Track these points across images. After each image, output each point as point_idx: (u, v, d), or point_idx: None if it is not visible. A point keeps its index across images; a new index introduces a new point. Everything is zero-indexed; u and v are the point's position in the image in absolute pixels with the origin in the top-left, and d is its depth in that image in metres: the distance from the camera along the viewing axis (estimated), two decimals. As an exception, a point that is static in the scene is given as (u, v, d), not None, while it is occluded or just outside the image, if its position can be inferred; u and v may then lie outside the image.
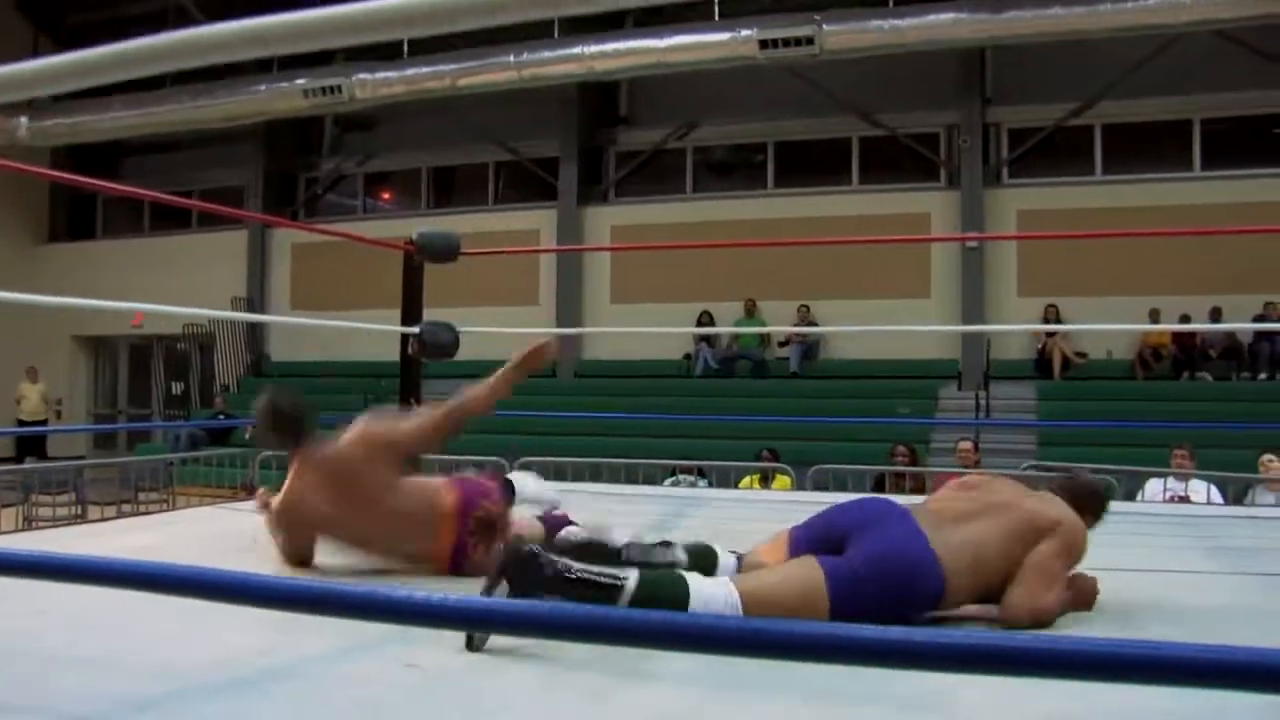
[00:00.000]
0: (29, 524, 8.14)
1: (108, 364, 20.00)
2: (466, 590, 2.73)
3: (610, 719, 1.95)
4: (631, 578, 2.36)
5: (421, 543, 3.24)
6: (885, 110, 14.99)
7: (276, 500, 3.31)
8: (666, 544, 2.69)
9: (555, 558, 2.37)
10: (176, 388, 19.00)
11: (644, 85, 16.36)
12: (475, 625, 1.41)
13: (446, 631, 2.48)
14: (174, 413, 18.66)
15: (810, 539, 2.69)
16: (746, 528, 4.03)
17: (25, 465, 10.18)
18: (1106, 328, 11.73)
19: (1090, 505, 2.90)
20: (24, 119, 16.70)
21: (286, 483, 3.29)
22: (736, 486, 8.11)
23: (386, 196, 19.14)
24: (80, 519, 8.12)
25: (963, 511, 2.73)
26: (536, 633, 1.35)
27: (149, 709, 2.00)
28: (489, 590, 2.35)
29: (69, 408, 19.05)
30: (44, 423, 17.43)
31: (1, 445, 16.80)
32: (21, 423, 17.02)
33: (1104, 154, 14.48)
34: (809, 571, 2.52)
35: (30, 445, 16.64)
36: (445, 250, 5.88)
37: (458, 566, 3.22)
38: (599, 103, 16.66)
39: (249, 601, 1.53)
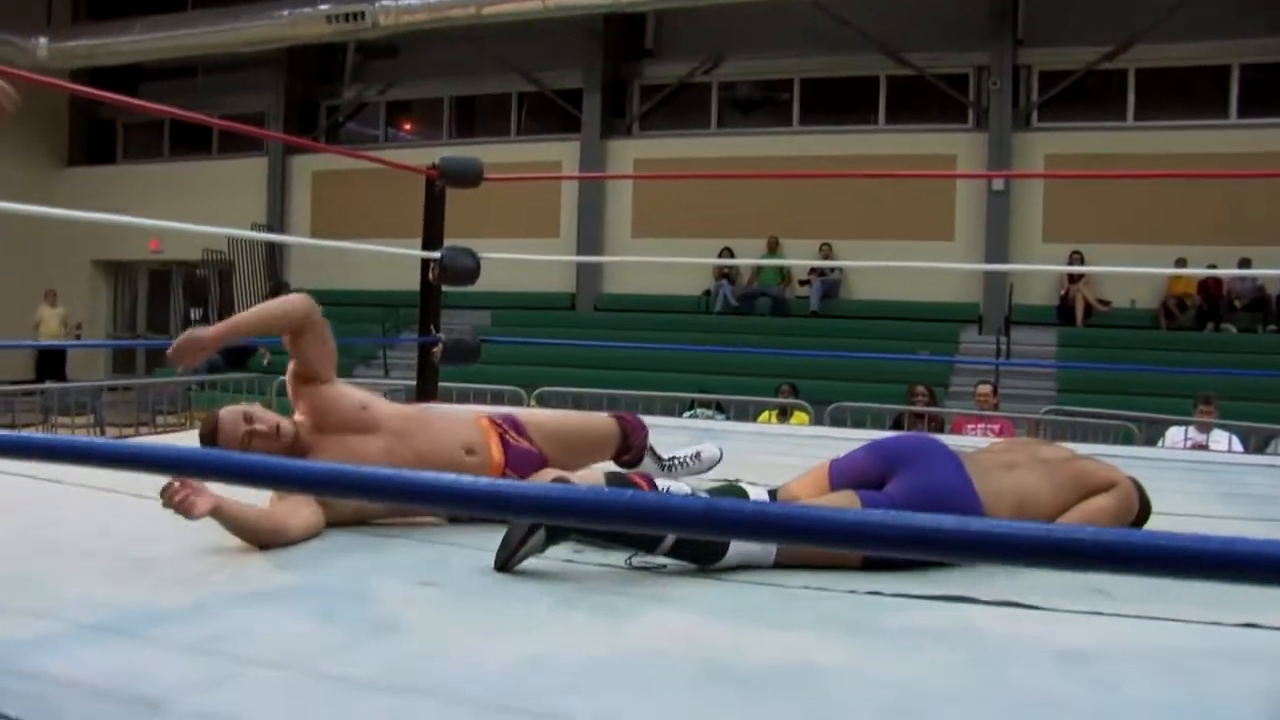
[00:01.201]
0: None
1: (127, 289, 20.02)
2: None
3: (627, 638, 1.92)
4: None
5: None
6: (914, 49, 14.75)
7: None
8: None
9: None
10: (195, 314, 19.01)
11: (670, 18, 16.14)
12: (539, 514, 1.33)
13: (463, 553, 2.47)
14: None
15: (851, 473, 2.63)
16: (768, 460, 4.01)
17: (45, 386, 10.20)
18: (1132, 270, 11.55)
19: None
20: (43, 40, 16.59)
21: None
22: (755, 421, 8.08)
23: (408, 126, 19.00)
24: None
25: (1011, 461, 2.66)
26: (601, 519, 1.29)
27: (166, 620, 1.98)
28: (529, 529, 2.30)
29: (88, 332, 19.09)
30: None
31: (22, 368, 16.87)
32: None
33: (1137, 99, 14.23)
34: (848, 506, 2.47)
35: (50, 369, 16.71)
36: (468, 175, 5.81)
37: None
38: (624, 35, 16.44)
39: (287, 486, 1.49)
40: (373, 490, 1.37)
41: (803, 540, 1.15)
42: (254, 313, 2.96)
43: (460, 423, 3.05)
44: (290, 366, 2.94)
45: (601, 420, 3.31)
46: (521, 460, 3.01)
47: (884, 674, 1.75)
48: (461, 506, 1.28)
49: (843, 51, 14.96)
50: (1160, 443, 7.29)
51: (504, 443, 3.03)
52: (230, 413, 2.72)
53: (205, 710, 1.53)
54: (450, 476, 1.26)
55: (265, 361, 13.99)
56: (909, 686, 1.69)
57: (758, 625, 2.03)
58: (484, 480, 1.25)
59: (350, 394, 2.93)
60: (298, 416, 2.86)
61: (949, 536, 1.04)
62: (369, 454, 2.78)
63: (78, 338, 18.44)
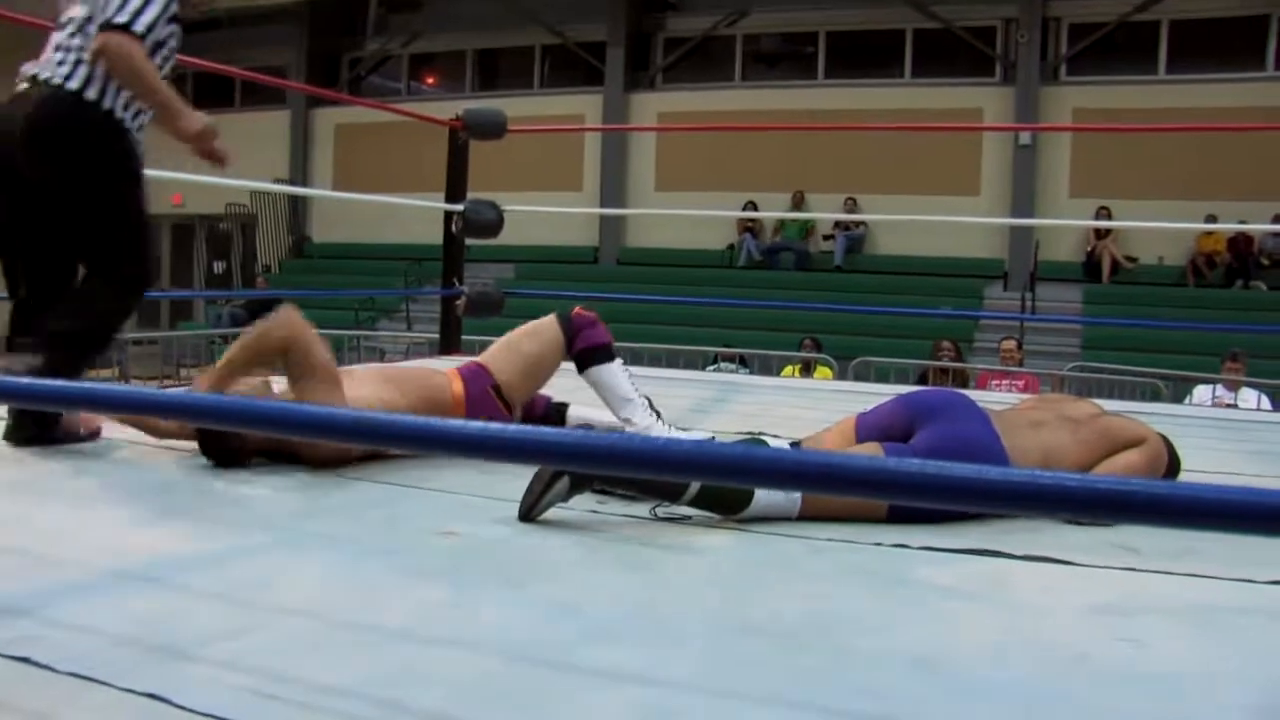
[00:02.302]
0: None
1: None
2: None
3: (653, 589, 1.91)
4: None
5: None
6: (941, 2, 14.55)
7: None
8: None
9: None
10: (218, 267, 19.06)
11: (695, -30, 16.00)
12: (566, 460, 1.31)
13: (486, 503, 2.47)
14: (216, 291, 18.76)
15: (878, 426, 2.61)
16: (791, 413, 4.00)
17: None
18: (1161, 225, 11.43)
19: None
20: (66, -8, 16.54)
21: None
22: (778, 375, 8.06)
23: (430, 79, 18.90)
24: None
25: (1038, 420, 2.64)
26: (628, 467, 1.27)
27: (193, 568, 1.99)
28: (553, 476, 2.29)
29: (113, 284, 19.15)
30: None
31: (47, 319, 16.94)
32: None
33: (1169, 52, 13.98)
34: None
35: (75, 320, 16.76)
36: (492, 127, 5.80)
37: None
38: (648, -13, 16.30)
39: (323, 433, 1.48)
40: (397, 438, 1.36)
41: (840, 492, 1.13)
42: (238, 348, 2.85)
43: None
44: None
45: (545, 323, 3.28)
46: (475, 378, 3.14)
47: (911, 627, 1.74)
48: (485, 454, 1.27)
49: (868, 4, 14.78)
50: (1187, 400, 7.23)
51: (463, 376, 3.14)
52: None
53: (232, 658, 1.53)
54: (478, 425, 1.25)
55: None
56: (936, 640, 1.68)
57: (784, 576, 2.02)
58: (511, 428, 1.24)
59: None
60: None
61: (993, 486, 1.02)
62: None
63: (102, 290, 18.49)
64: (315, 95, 17.17)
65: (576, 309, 3.33)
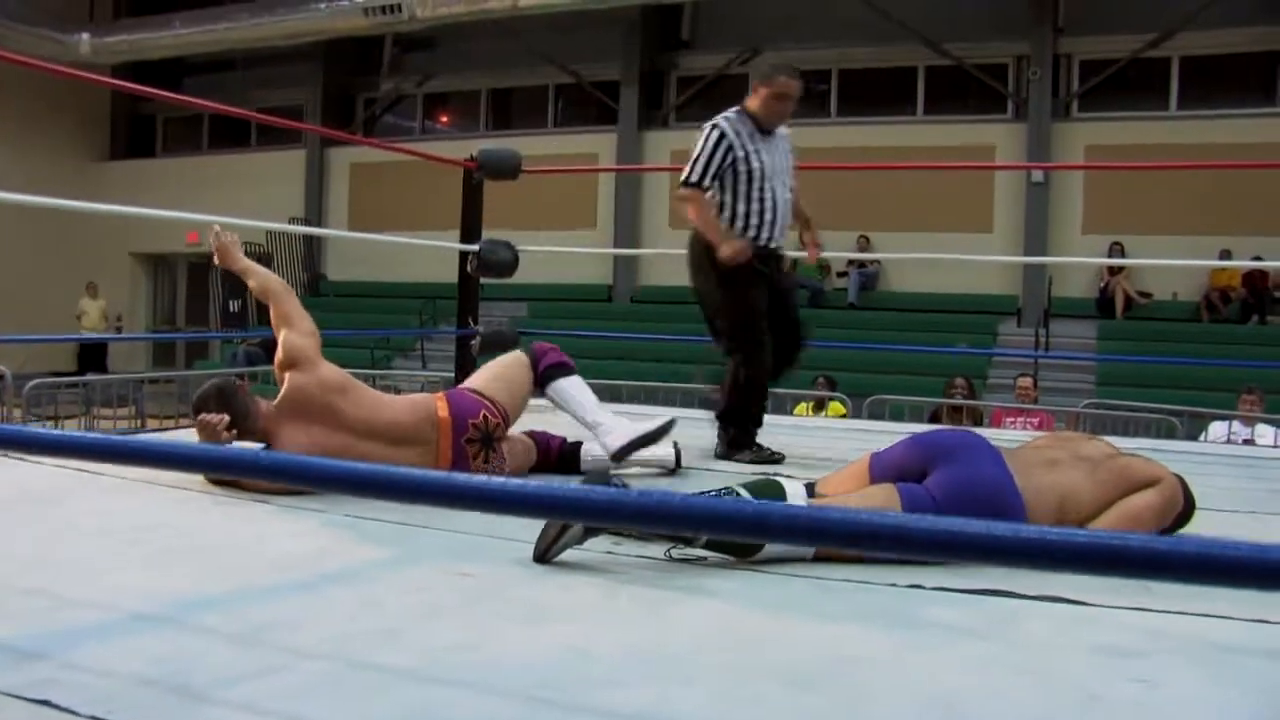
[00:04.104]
0: (91, 434, 8.29)
1: (166, 281, 20.22)
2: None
3: (668, 630, 1.92)
4: None
5: (422, 458, 3.25)
6: (953, 39, 14.63)
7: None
8: (717, 493, 2.60)
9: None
10: (234, 305, 19.15)
11: (707, 9, 16.10)
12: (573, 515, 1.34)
13: (500, 544, 2.48)
14: (231, 330, 18.85)
15: (892, 466, 2.61)
16: (805, 453, 4.01)
17: (87, 379, 10.32)
18: (1172, 263, 11.43)
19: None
20: (86, 35, 16.79)
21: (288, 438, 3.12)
22: (790, 413, 8.05)
23: (445, 118, 19.06)
24: (140, 431, 8.24)
25: (1053, 459, 2.63)
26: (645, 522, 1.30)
27: (212, 609, 2.00)
28: (560, 530, 2.31)
29: (128, 324, 19.31)
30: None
31: (64, 360, 17.08)
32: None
33: (1180, 88, 14.03)
34: (888, 501, 2.45)
35: (91, 361, 16.91)
36: (506, 168, 5.84)
37: None
38: (661, 26, 16.41)
39: (318, 484, 1.51)
40: (411, 492, 1.38)
41: (853, 546, 1.15)
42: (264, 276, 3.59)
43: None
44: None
45: (513, 357, 3.66)
46: (461, 402, 3.37)
47: (925, 668, 1.74)
48: (500, 510, 1.29)
49: (881, 42, 14.88)
50: (1203, 436, 7.20)
51: (448, 399, 3.38)
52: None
53: (250, 700, 1.55)
54: (483, 479, 1.27)
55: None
56: (950, 681, 1.68)
57: (798, 617, 2.02)
58: (528, 483, 1.26)
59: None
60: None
61: (999, 543, 1.03)
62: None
63: (118, 329, 18.65)
64: (329, 135, 17.31)
65: (536, 343, 3.75)
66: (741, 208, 4.18)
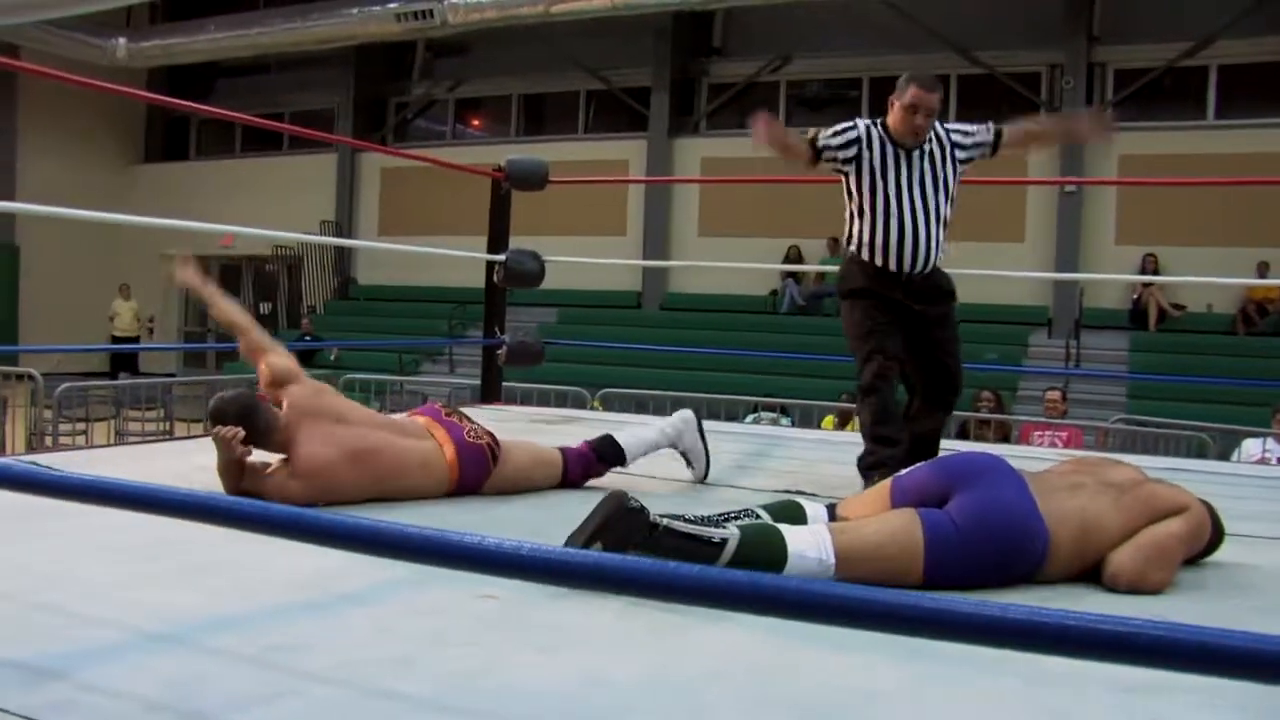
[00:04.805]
0: (120, 438, 8.35)
1: (199, 282, 20.34)
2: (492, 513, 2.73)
3: (684, 657, 1.91)
4: (733, 537, 2.31)
5: (428, 448, 3.29)
6: (986, 47, 14.56)
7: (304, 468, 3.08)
8: (737, 514, 2.58)
9: (660, 515, 2.30)
10: (264, 308, 19.31)
11: (738, 16, 16.09)
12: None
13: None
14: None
15: (914, 490, 2.57)
16: (829, 470, 3.97)
17: (118, 381, 10.41)
18: (1207, 280, 11.33)
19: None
20: (122, 40, 16.96)
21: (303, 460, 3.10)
22: (819, 426, 8.02)
23: (476, 123, 19.13)
24: (168, 435, 8.29)
25: (1077, 484, 2.57)
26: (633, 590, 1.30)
27: (226, 630, 2.00)
28: (586, 542, 2.28)
29: (160, 325, 19.46)
30: (136, 339, 17.83)
31: (97, 361, 17.24)
32: (115, 339, 17.44)
33: (1218, 97, 13.88)
34: (909, 526, 2.42)
35: (123, 362, 17.06)
36: (533, 178, 5.84)
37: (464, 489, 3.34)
38: (692, 33, 16.42)
39: (306, 538, 1.50)
40: (433, 553, 1.37)
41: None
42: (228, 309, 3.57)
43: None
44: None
45: (549, 454, 3.56)
46: (471, 453, 3.33)
47: (940, 703, 1.72)
48: (523, 575, 1.29)
49: (913, 49, 14.79)
50: (1235, 455, 7.10)
51: (445, 425, 3.36)
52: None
53: (259, 726, 1.54)
54: (514, 543, 1.26)
55: (332, 356, 14.17)
56: (965, 717, 1.66)
57: (815, 645, 1.99)
58: (549, 548, 1.25)
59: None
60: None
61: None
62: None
63: (150, 331, 18.80)
64: (358, 145, 17.42)
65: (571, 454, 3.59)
66: (865, 226, 3.80)
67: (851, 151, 3.74)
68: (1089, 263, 13.48)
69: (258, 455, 3.12)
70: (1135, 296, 13.53)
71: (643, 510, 2.29)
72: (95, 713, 1.56)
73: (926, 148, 3.77)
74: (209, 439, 3.12)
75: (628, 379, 10.46)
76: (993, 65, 14.59)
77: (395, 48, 17.92)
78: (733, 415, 8.31)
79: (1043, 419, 8.28)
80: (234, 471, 3.06)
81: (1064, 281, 13.54)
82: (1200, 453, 6.95)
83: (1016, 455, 4.28)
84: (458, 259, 6.84)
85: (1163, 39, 13.76)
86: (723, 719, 1.63)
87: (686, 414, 3.77)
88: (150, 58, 17.32)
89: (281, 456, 3.09)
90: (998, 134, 3.85)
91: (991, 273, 8.34)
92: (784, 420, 8.27)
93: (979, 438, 7.66)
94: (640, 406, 8.28)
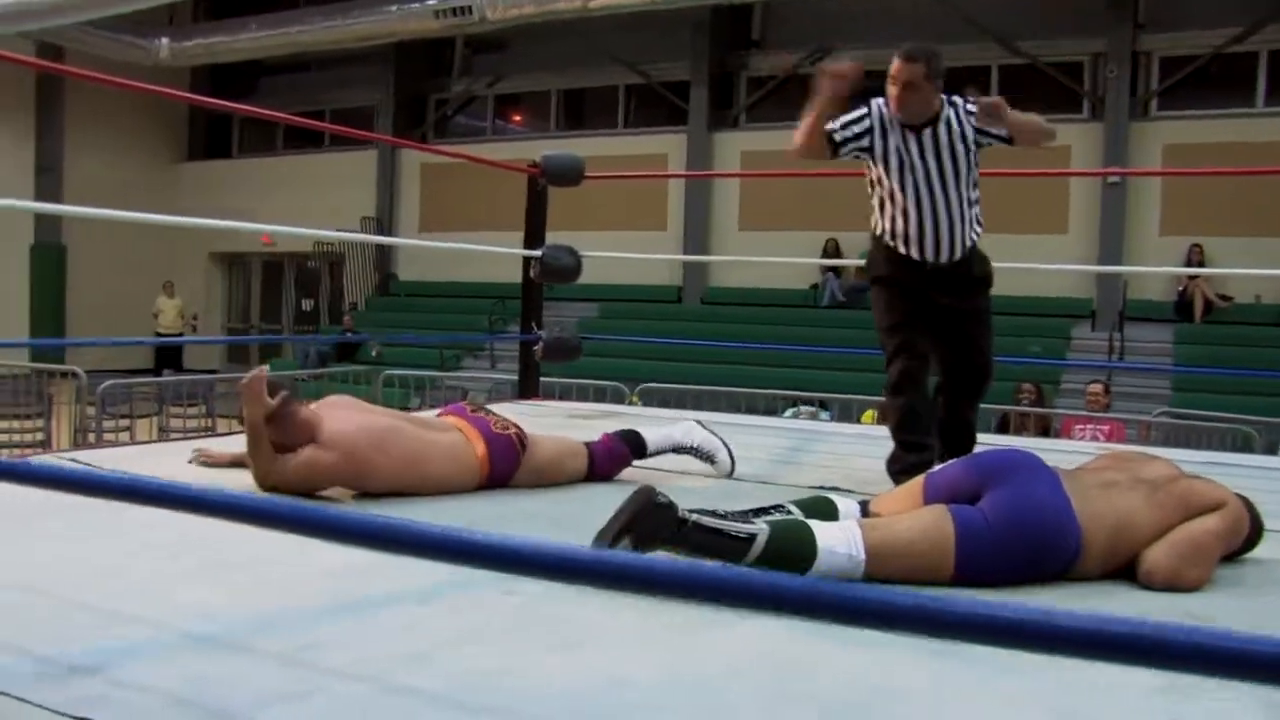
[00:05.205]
0: (163, 434, 8.45)
1: (241, 280, 20.60)
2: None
3: (706, 655, 1.91)
4: (762, 532, 2.30)
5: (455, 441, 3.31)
6: (1027, 37, 14.39)
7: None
8: (768, 509, 2.57)
9: (689, 510, 2.30)
10: (306, 304, 19.48)
11: (777, 9, 16.02)
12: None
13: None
14: (304, 329, 19.17)
15: (946, 487, 2.55)
16: (865, 464, 3.94)
17: (161, 380, 10.52)
18: (1255, 272, 11.09)
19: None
20: (165, 40, 17.15)
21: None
22: (859, 421, 7.98)
23: (516, 118, 19.18)
24: (209, 431, 8.37)
25: (1111, 481, 2.55)
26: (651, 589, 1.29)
27: (258, 628, 2.03)
28: (615, 538, 2.29)
29: (204, 322, 19.68)
30: (179, 336, 18.05)
31: (142, 357, 17.46)
32: (159, 335, 17.66)
33: (1268, 84, 13.62)
34: (940, 523, 2.41)
35: (168, 359, 17.28)
36: (569, 173, 5.85)
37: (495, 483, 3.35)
38: (731, 26, 16.35)
39: (332, 538, 1.50)
40: (464, 554, 1.38)
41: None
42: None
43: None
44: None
45: (576, 448, 3.57)
46: (499, 445, 3.34)
47: (964, 703, 1.71)
48: (563, 577, 1.29)
49: (953, 40, 14.63)
50: (1282, 448, 7.00)
51: (475, 423, 3.37)
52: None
53: (282, 724, 1.56)
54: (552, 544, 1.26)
55: (375, 353, 14.27)
56: (985, 715, 1.65)
57: (837, 643, 1.98)
58: (580, 549, 1.26)
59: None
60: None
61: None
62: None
63: (194, 328, 19.02)
64: (396, 143, 17.53)
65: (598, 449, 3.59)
66: (886, 212, 3.71)
67: (865, 141, 3.65)
68: (1133, 254, 13.31)
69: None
70: (1181, 288, 13.34)
71: (671, 505, 2.29)
72: (124, 709, 1.59)
73: (940, 125, 3.63)
74: (245, 435, 3.15)
75: (668, 374, 10.44)
76: (1034, 55, 14.43)
77: (435, 44, 17.99)
78: (771, 410, 8.29)
79: (1084, 413, 8.19)
80: (264, 447, 3.09)
81: (1108, 274, 13.38)
82: (1245, 447, 6.86)
83: (1055, 450, 4.25)
84: (499, 253, 6.86)
85: (1209, 25, 13.53)
86: (743, 716, 1.63)
87: (689, 422, 3.81)
88: (193, 57, 17.48)
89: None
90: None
91: (1034, 266, 8.31)
92: (823, 415, 8.24)
93: (1019, 430, 7.60)
94: (679, 402, 8.27)
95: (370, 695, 1.69)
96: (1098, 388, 8.46)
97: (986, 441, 3.78)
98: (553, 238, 5.96)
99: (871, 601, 1.14)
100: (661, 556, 2.32)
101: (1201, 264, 12.72)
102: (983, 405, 7.70)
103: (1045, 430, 7.74)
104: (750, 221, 15.58)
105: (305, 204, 17.07)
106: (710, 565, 1.23)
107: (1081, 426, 7.68)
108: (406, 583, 2.34)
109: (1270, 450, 6.85)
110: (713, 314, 15.29)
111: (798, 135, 3.70)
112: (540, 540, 1.28)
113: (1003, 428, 7.74)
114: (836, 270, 14.75)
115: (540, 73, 17.68)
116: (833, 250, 14.27)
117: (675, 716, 1.62)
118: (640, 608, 2.16)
